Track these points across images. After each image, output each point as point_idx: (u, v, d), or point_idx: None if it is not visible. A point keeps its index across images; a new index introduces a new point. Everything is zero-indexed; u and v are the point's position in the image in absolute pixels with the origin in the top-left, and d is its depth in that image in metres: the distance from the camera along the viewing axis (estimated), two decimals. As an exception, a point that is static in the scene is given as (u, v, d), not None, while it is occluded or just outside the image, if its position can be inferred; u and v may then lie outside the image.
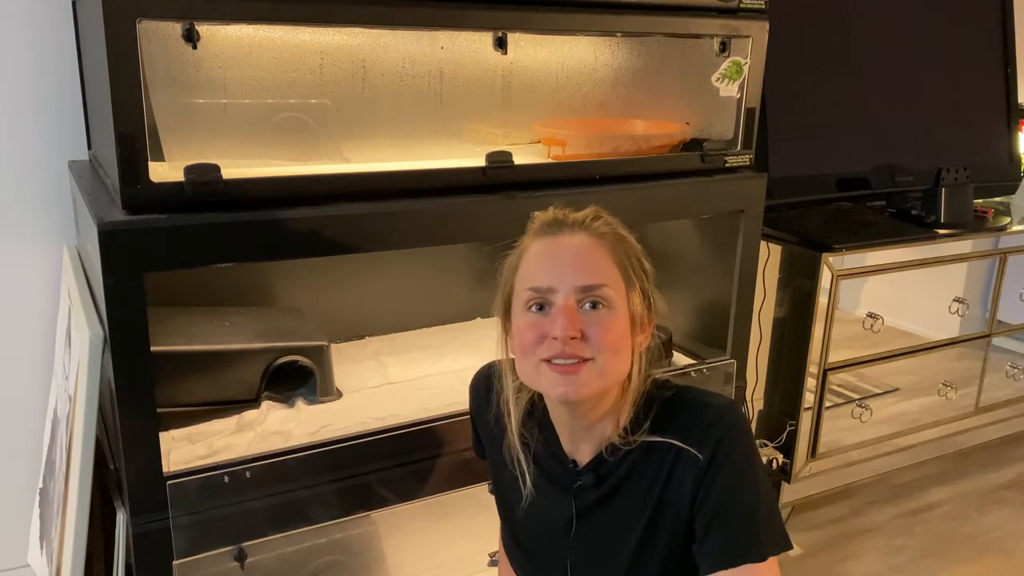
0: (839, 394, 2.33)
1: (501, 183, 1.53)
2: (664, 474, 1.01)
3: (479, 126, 1.65)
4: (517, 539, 1.20)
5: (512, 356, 1.06)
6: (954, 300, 2.47)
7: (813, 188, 2.34)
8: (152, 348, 1.28)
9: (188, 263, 1.31)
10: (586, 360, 0.97)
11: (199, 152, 1.34)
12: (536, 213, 1.05)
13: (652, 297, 1.04)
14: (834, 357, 2.25)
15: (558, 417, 1.08)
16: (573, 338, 0.96)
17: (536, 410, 1.12)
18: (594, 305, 0.97)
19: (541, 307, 0.99)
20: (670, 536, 1.03)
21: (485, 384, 1.23)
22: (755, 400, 2.34)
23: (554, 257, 0.99)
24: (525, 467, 1.11)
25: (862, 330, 2.30)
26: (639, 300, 1.01)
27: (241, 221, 1.31)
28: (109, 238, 1.22)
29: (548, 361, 0.97)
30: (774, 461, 2.29)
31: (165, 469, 1.34)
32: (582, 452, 1.08)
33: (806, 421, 2.27)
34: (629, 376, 1.03)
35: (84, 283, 1.51)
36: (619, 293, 0.99)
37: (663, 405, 1.04)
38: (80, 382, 1.32)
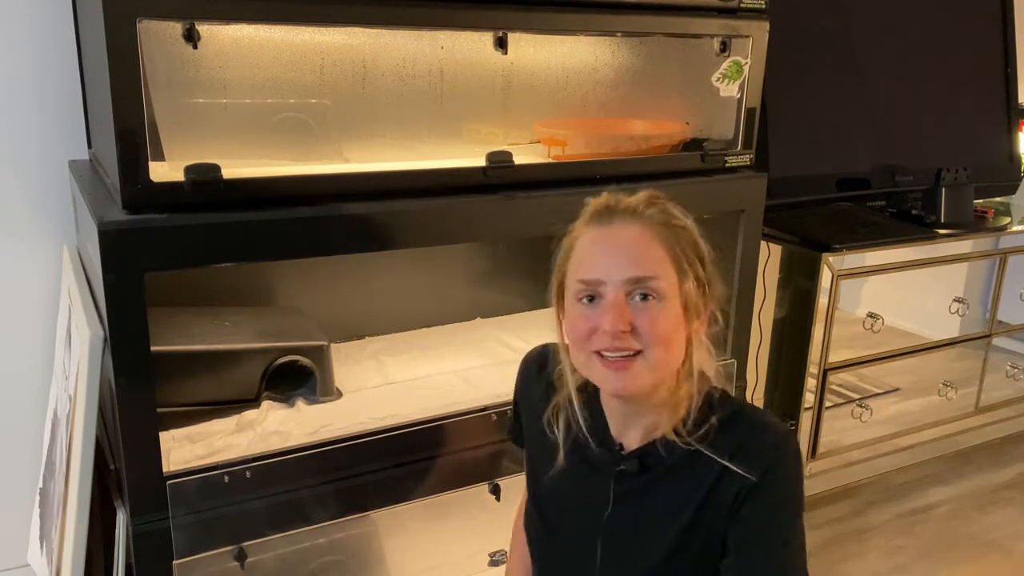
0: (839, 394, 2.33)
1: (501, 183, 1.53)
2: (709, 483, 1.00)
3: (479, 126, 1.65)
4: (543, 516, 1.17)
5: (567, 342, 1.05)
6: (954, 300, 2.47)
7: (813, 188, 2.34)
8: (152, 348, 1.28)
9: (188, 263, 1.31)
10: (637, 353, 0.96)
11: (199, 152, 1.34)
12: (589, 199, 1.02)
13: (708, 282, 1.01)
14: (834, 357, 2.25)
15: (609, 402, 1.07)
16: (623, 332, 0.95)
17: (588, 388, 1.10)
18: (644, 297, 0.96)
19: (592, 299, 0.98)
20: (703, 547, 1.01)
21: (538, 362, 1.21)
22: (755, 400, 2.34)
23: (604, 248, 0.98)
24: (561, 438, 1.10)
25: (862, 330, 2.30)
26: (693, 287, 0.99)
27: (241, 221, 1.31)
28: (109, 238, 1.22)
29: (599, 354, 0.97)
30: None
31: (165, 469, 1.34)
32: (630, 438, 1.06)
33: (806, 421, 2.27)
34: (686, 364, 1.01)
35: (84, 283, 1.51)
36: (670, 283, 0.97)
37: (723, 417, 1.02)
38: (80, 382, 1.32)
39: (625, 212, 0.98)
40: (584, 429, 1.09)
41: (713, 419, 1.01)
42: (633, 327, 0.95)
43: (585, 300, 0.98)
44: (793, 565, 0.99)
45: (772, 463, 0.98)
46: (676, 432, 1.01)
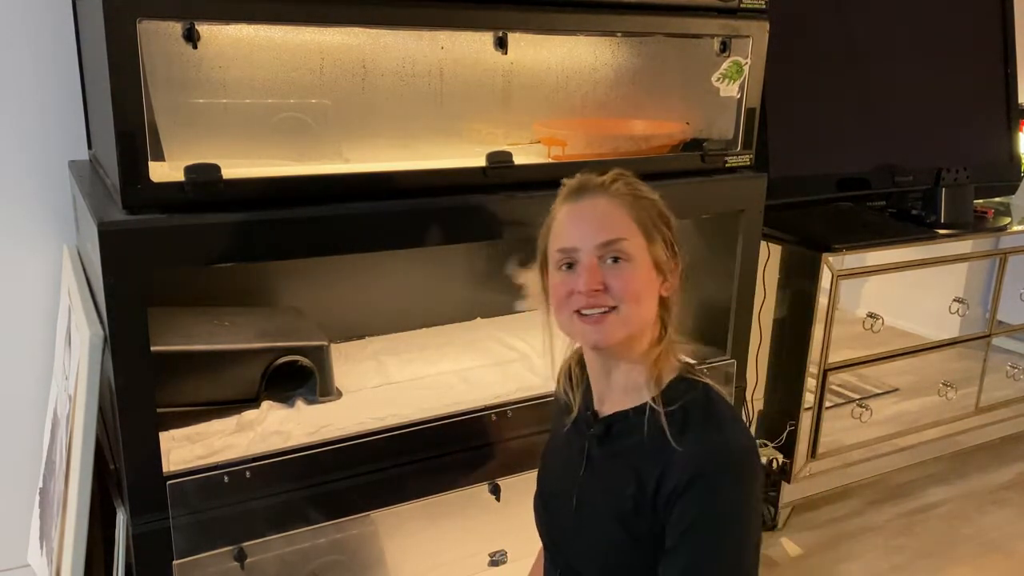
0: (839, 394, 2.33)
1: (501, 183, 1.53)
2: (662, 467, 1.04)
3: (479, 126, 1.65)
4: (541, 482, 1.27)
5: (552, 311, 1.16)
6: (954, 300, 2.47)
7: (813, 188, 2.34)
8: (152, 348, 1.28)
9: (188, 263, 1.31)
10: (611, 309, 1.06)
11: (199, 152, 1.34)
12: (565, 180, 1.14)
13: (676, 245, 1.11)
14: (834, 357, 2.25)
15: (591, 366, 1.16)
16: (596, 291, 1.05)
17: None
18: (615, 259, 1.06)
19: (571, 266, 1.09)
20: (650, 529, 1.05)
21: None
22: (755, 400, 2.34)
23: (577, 220, 1.09)
24: (573, 400, 1.21)
25: (862, 330, 2.30)
26: (662, 250, 1.09)
27: (241, 221, 1.31)
28: (109, 238, 1.22)
29: (579, 313, 1.07)
30: (774, 461, 2.29)
31: (165, 469, 1.34)
32: (605, 407, 1.15)
33: (806, 421, 2.27)
34: (662, 330, 1.11)
35: (84, 283, 1.51)
36: (638, 245, 1.07)
37: (693, 402, 1.07)
38: (80, 382, 1.32)
39: (594, 188, 1.10)
40: (572, 391, 1.21)
41: (685, 405, 1.07)
42: (606, 286, 1.06)
43: (564, 267, 1.10)
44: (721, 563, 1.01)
45: (703, 473, 1.00)
46: (655, 400, 1.08)
